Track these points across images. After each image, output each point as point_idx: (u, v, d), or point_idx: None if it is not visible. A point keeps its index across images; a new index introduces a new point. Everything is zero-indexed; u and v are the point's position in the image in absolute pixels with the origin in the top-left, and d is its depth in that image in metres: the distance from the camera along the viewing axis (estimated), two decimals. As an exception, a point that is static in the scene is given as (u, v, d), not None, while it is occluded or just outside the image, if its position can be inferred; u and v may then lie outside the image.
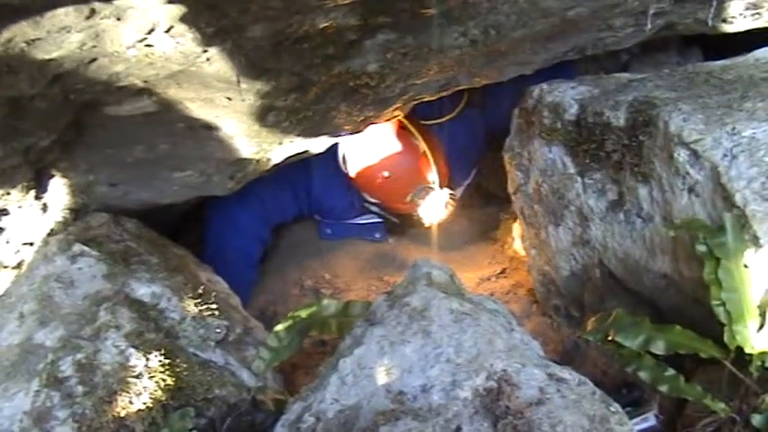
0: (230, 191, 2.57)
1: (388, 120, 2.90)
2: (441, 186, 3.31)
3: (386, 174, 3.22)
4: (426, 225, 3.41)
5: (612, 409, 1.53)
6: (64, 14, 1.47)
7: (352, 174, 3.33)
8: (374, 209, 3.52)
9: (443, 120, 3.34)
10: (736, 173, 1.74)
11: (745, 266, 1.71)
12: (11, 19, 1.42)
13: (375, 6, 1.79)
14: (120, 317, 1.96)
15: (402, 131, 3.24)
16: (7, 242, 2.22)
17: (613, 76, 2.46)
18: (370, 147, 3.17)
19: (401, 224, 3.59)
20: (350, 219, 3.58)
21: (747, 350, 1.71)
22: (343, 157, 3.30)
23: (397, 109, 2.53)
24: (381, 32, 1.93)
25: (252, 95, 2.01)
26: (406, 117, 3.08)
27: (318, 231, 3.58)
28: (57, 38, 1.55)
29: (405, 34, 1.96)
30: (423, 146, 3.26)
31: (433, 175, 3.29)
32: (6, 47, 1.51)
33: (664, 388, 1.82)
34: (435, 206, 3.28)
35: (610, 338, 1.92)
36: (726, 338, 1.73)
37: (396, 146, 3.22)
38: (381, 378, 1.62)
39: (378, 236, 3.60)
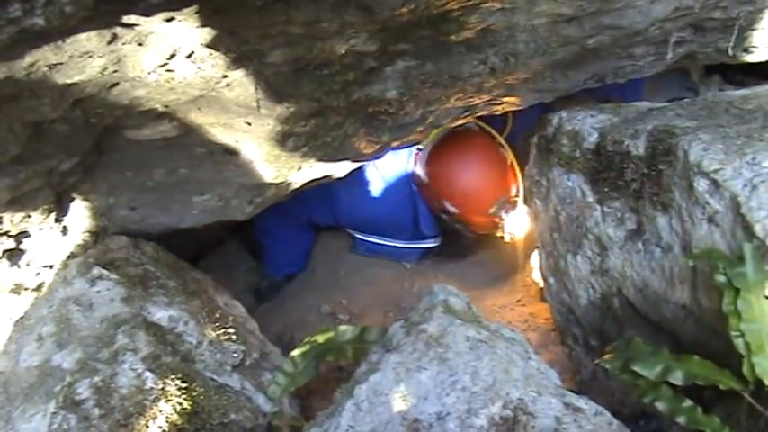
0: (249, 215, 2.58)
1: (463, 125, 2.82)
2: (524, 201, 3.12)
3: (470, 182, 3.12)
4: (507, 240, 3.25)
5: (630, 439, 1.52)
6: (86, 39, 1.49)
7: (426, 178, 3.21)
8: (446, 219, 3.32)
9: (505, 135, 3.20)
10: (756, 203, 1.72)
11: (766, 297, 1.69)
12: (33, 44, 1.43)
13: (395, 33, 1.80)
14: (137, 340, 1.97)
15: (485, 139, 3.16)
16: (27, 264, 2.23)
17: (633, 105, 2.45)
18: (454, 151, 3.07)
19: (469, 242, 3.46)
20: (399, 241, 3.48)
21: (767, 382, 1.69)
22: (415, 160, 3.20)
23: (417, 134, 2.54)
24: (401, 59, 1.94)
25: (271, 121, 2.03)
26: (484, 125, 3.02)
27: (353, 246, 3.56)
28: (78, 62, 1.57)
29: (424, 61, 1.98)
30: (510, 156, 3.15)
31: (516, 188, 3.16)
32: (29, 71, 1.53)
33: (681, 419, 1.79)
34: (519, 221, 3.13)
35: (627, 367, 1.90)
36: (745, 370, 1.70)
37: (483, 153, 3.14)
38: (397, 405, 1.62)
39: (410, 261, 3.53)
